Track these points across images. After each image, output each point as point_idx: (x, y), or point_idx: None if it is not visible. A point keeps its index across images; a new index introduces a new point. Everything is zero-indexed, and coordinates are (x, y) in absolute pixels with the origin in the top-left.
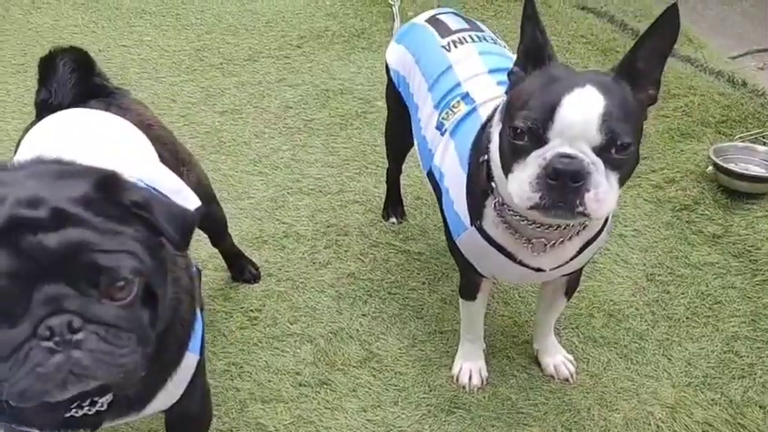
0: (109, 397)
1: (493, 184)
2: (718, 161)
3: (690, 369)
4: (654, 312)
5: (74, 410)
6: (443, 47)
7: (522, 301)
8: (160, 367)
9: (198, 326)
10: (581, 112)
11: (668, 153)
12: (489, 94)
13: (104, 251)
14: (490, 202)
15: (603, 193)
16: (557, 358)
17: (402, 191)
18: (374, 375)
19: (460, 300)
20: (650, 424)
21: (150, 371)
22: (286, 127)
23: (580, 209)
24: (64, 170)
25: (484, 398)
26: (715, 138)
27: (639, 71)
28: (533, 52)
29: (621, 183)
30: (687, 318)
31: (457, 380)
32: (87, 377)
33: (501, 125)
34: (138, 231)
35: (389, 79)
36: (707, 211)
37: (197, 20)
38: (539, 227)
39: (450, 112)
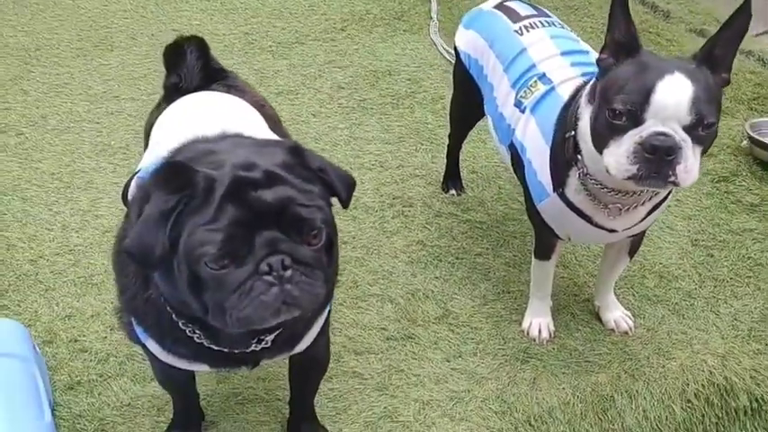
0: (272, 336)
1: (579, 156)
2: (754, 135)
3: (736, 323)
4: (700, 274)
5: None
6: (516, 31)
7: (579, 264)
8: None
9: None
10: (673, 97)
11: None
12: (565, 74)
13: (304, 205)
14: (573, 172)
15: (691, 165)
16: (616, 314)
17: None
18: (452, 330)
19: (534, 260)
20: (704, 370)
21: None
22: (340, 107)
23: (672, 179)
24: (256, 141)
25: (553, 349)
26: (748, 114)
27: (716, 57)
28: (627, 42)
29: (702, 155)
30: (731, 278)
31: (527, 334)
32: (295, 306)
33: (593, 106)
34: (320, 190)
35: (459, 61)
36: (744, 182)
37: (241, 4)
38: (617, 194)
39: (529, 91)
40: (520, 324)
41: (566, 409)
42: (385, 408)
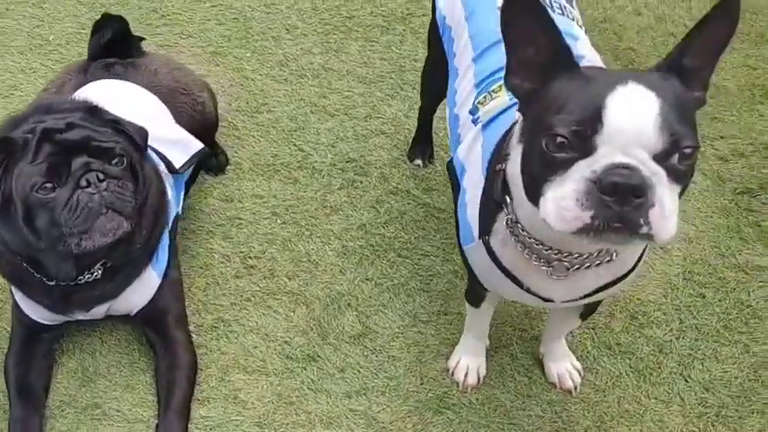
0: (100, 267)
1: (507, 198)
2: None
3: (706, 396)
4: (682, 320)
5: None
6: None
7: None
8: (133, 263)
9: (162, 251)
10: (634, 114)
11: (744, 115)
12: None
13: (104, 141)
14: (502, 218)
15: (670, 210)
16: (562, 366)
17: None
18: (366, 356)
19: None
20: None
21: (125, 268)
22: (321, 23)
23: (644, 230)
24: (62, 109)
25: (476, 400)
26: None
27: (688, 70)
28: (561, 56)
29: (680, 196)
30: (717, 332)
31: (452, 374)
32: (114, 208)
33: (523, 145)
34: (120, 138)
35: (435, 19)
36: None
37: None
38: (556, 252)
39: (489, 97)
40: (447, 359)
41: None
42: None
